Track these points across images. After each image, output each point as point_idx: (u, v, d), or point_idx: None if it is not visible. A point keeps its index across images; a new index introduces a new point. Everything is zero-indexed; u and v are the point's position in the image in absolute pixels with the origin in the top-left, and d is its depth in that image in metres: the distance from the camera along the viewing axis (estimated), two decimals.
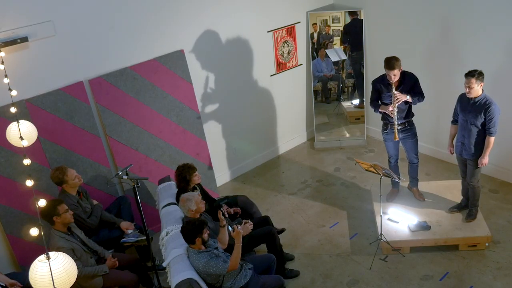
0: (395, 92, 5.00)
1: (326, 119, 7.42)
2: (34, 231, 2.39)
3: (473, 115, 4.75)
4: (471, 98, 4.72)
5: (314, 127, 7.43)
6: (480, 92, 4.69)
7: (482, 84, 4.65)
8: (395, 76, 4.96)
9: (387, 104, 5.16)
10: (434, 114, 6.50)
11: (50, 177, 4.65)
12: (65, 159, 5.03)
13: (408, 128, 5.31)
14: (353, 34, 6.98)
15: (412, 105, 5.19)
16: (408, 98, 5.05)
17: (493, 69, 5.60)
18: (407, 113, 5.24)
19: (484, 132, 4.76)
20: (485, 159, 4.85)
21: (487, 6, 5.52)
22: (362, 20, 6.86)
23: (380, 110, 5.24)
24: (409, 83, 5.08)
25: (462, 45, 5.90)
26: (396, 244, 5.10)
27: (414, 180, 5.66)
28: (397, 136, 5.20)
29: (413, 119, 5.35)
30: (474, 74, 4.58)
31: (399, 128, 5.23)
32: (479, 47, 5.74)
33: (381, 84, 5.16)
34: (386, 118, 5.31)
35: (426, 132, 6.60)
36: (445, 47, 6.07)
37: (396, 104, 5.03)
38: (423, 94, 5.12)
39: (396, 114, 5.07)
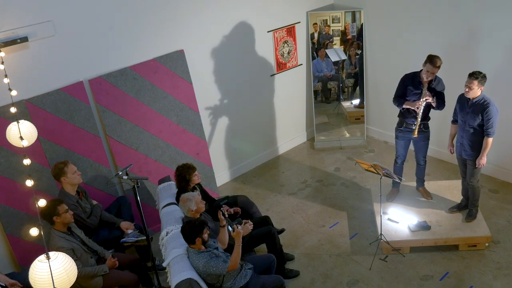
0: (426, 92, 5.00)
1: (326, 119, 7.42)
2: (34, 231, 2.39)
3: (471, 115, 4.75)
4: (469, 98, 4.73)
5: (314, 127, 7.43)
6: (479, 94, 4.69)
7: (482, 87, 4.65)
8: (432, 75, 4.95)
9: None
10: (434, 114, 6.48)
11: (51, 170, 4.67)
12: (65, 159, 5.00)
13: (424, 130, 5.29)
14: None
15: (432, 109, 5.17)
16: (434, 101, 5.04)
17: (493, 69, 5.60)
18: (426, 115, 5.22)
19: (483, 132, 4.76)
20: (483, 160, 4.85)
21: (488, 7, 5.52)
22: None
23: (405, 107, 5.18)
24: (438, 88, 5.08)
25: (462, 45, 5.89)
26: (396, 244, 5.10)
27: (419, 181, 5.68)
28: (416, 133, 5.17)
29: (429, 122, 5.33)
30: (477, 77, 4.58)
31: (413, 128, 5.21)
32: (479, 47, 5.74)
33: (411, 80, 5.13)
34: (404, 115, 5.28)
35: None
36: (445, 47, 6.07)
37: (423, 104, 5.02)
38: (445, 103, 5.11)
39: (421, 111, 5.05)
